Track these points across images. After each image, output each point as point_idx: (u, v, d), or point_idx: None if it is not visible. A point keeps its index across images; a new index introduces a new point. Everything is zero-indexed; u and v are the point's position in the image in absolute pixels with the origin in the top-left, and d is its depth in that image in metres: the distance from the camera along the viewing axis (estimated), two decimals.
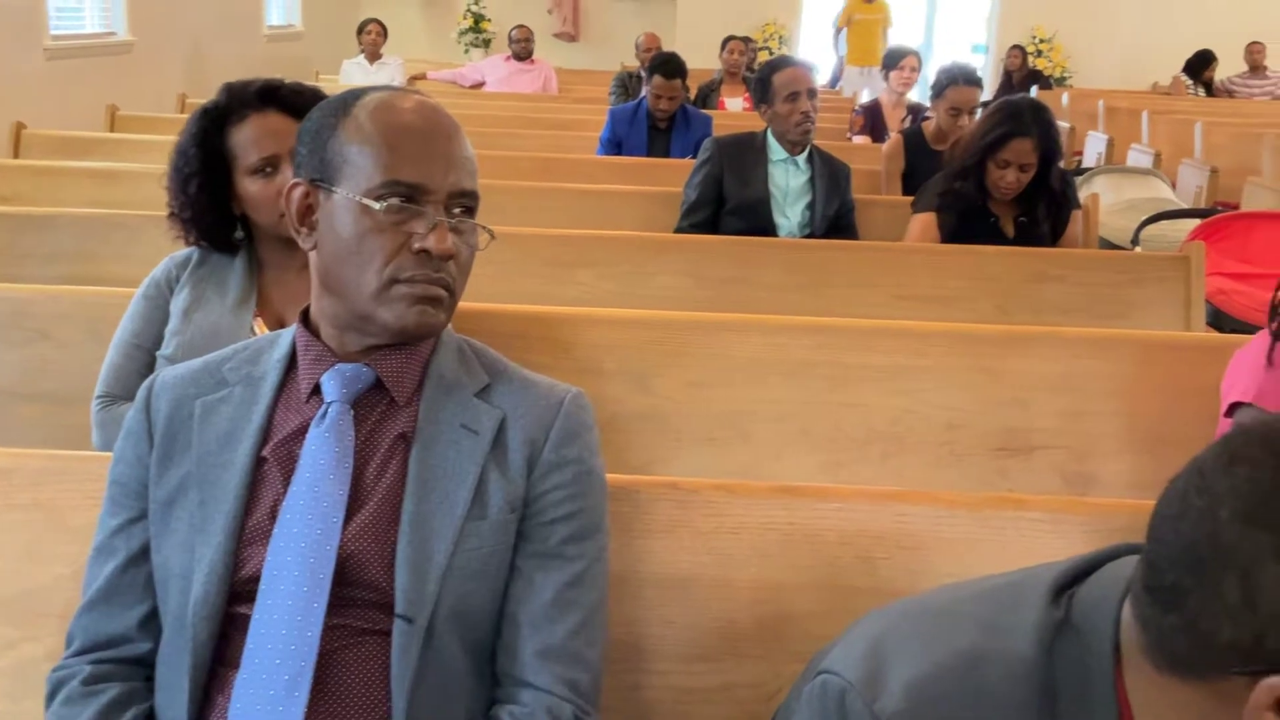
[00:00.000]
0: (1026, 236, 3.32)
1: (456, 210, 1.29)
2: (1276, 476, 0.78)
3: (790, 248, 3.36)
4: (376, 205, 1.25)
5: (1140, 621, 0.86)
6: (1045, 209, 3.34)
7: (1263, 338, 2.07)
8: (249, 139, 1.94)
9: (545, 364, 2.36)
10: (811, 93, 3.73)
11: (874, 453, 2.33)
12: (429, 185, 1.26)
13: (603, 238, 3.26)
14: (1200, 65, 10.19)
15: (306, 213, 1.31)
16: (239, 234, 2.02)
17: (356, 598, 1.23)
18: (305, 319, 1.36)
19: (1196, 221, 3.80)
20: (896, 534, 1.49)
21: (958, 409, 2.32)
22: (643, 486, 1.53)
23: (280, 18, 10.69)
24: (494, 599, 1.28)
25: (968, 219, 3.34)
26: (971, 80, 4.22)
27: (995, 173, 3.27)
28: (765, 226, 3.73)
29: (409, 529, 1.24)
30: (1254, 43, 10.27)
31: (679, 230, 3.74)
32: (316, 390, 1.30)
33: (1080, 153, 7.54)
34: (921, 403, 2.32)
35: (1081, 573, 0.94)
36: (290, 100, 1.95)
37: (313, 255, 1.33)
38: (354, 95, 1.33)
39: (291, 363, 1.34)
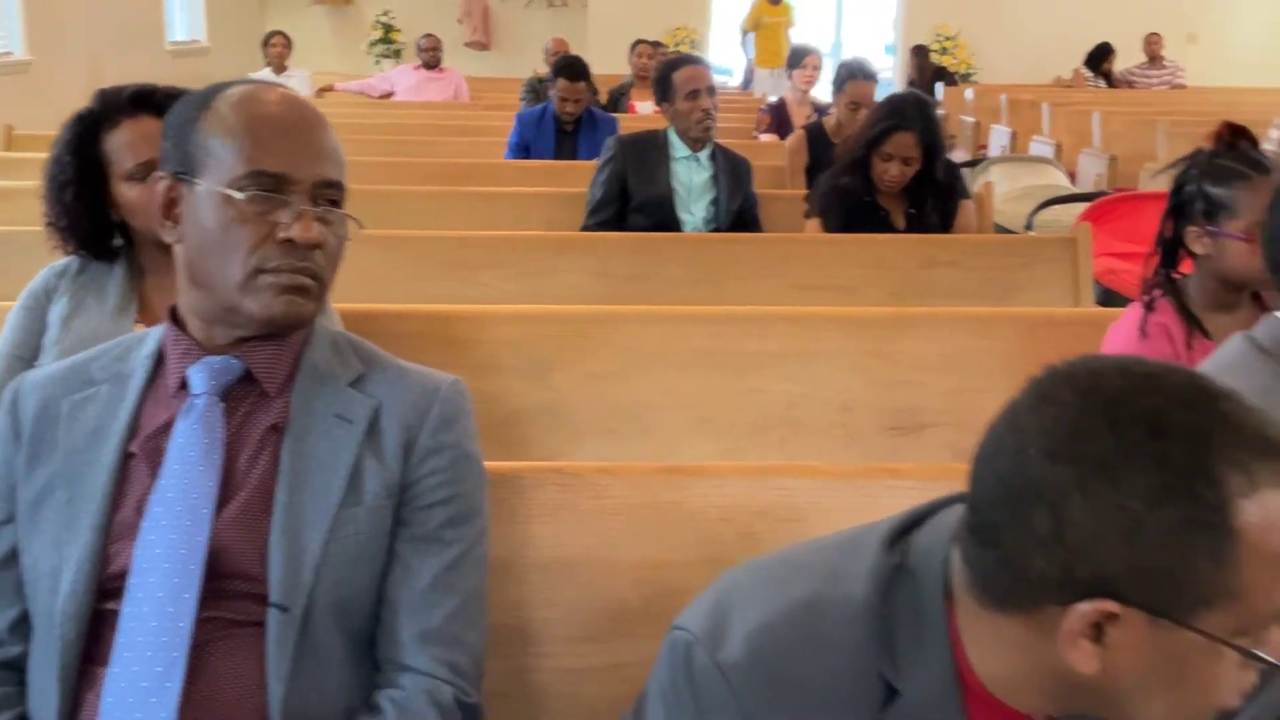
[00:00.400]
0: (917, 228, 3.39)
1: (322, 200, 1.29)
2: (1080, 414, 0.82)
3: (692, 242, 3.39)
4: (239, 195, 1.24)
5: (965, 561, 0.89)
6: (933, 201, 3.41)
7: (1135, 309, 2.14)
8: (124, 144, 1.92)
9: (442, 363, 2.32)
10: (711, 90, 3.77)
11: (772, 438, 2.37)
12: (293, 175, 1.26)
13: (505, 238, 3.26)
14: (1100, 57, 10.45)
15: (170, 206, 1.30)
16: (117, 240, 1.99)
17: (230, 589, 1.23)
18: (174, 315, 1.35)
19: (1087, 205, 3.91)
20: (777, 508, 1.52)
21: (851, 391, 2.36)
22: (525, 472, 1.54)
23: (184, 33, 10.54)
24: (372, 586, 1.28)
25: (857, 216, 3.40)
26: (869, 75, 4.30)
27: (880, 166, 3.34)
28: (670, 223, 3.76)
29: (282, 518, 1.24)
30: (1151, 34, 10.58)
31: (585, 229, 3.76)
32: (185, 385, 1.30)
33: (985, 146, 7.71)
34: (816, 386, 2.36)
35: (916, 521, 0.97)
36: (165, 104, 1.92)
37: (178, 249, 1.32)
38: (216, 89, 1.33)
39: (160, 358, 1.33)
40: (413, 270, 3.16)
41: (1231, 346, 1.38)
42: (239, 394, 1.30)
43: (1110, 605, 0.80)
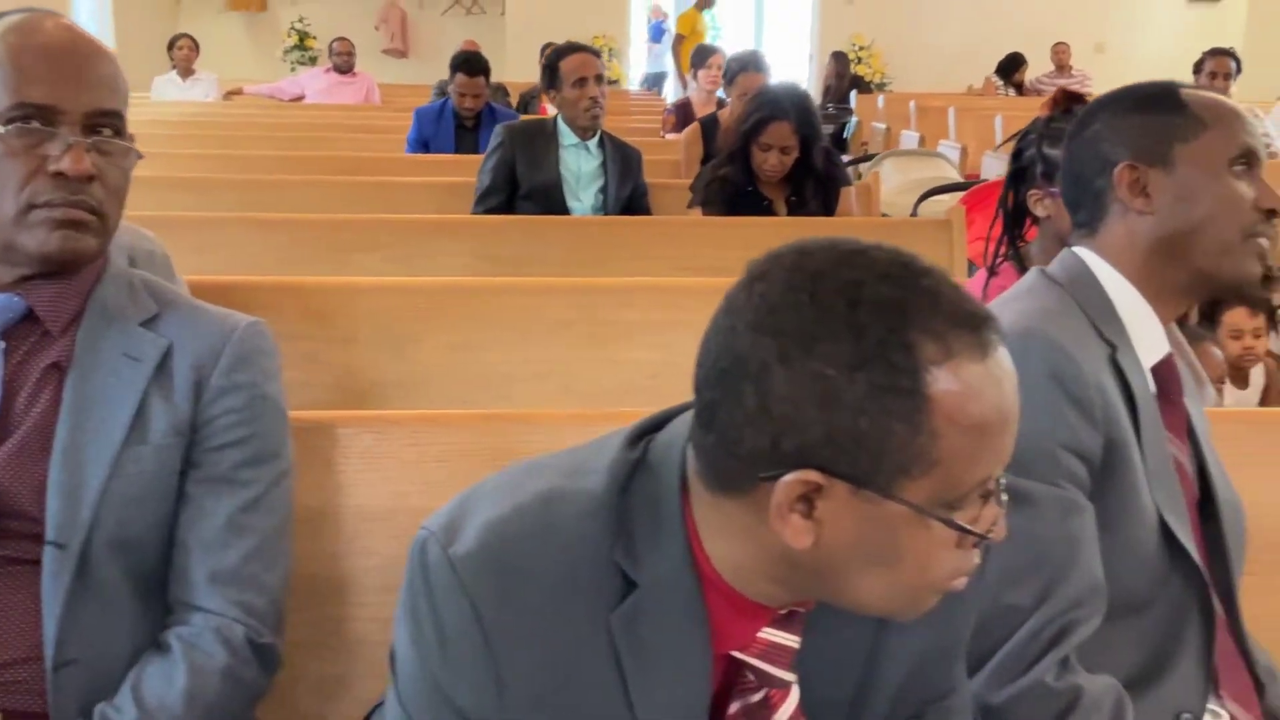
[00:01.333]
0: (798, 210, 3.44)
1: (100, 131, 1.24)
2: (784, 289, 0.82)
3: (574, 225, 3.38)
4: (4, 129, 1.20)
5: (694, 448, 0.88)
6: (814, 187, 3.46)
7: (981, 274, 2.17)
8: None
9: (299, 334, 2.33)
10: (599, 78, 3.77)
11: (636, 405, 2.35)
12: (60, 105, 1.21)
13: (385, 221, 3.23)
14: (1011, 67, 10.66)
15: None
16: None
17: (7, 528, 1.19)
18: None
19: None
20: None
21: None
22: (339, 421, 1.51)
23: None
24: (159, 525, 1.25)
25: (739, 205, 3.43)
26: (760, 67, 4.34)
27: (759, 156, 3.39)
28: (558, 210, 3.75)
29: (61, 456, 1.20)
30: (1059, 43, 10.82)
31: (473, 215, 3.74)
32: None
33: (867, 142, 7.85)
34: (678, 355, 2.33)
35: (662, 422, 0.97)
36: None
37: None
38: None
39: None
40: (291, 253, 3.12)
41: (1026, 277, 1.40)
42: (21, 333, 1.26)
43: (814, 475, 0.80)
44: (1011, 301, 1.35)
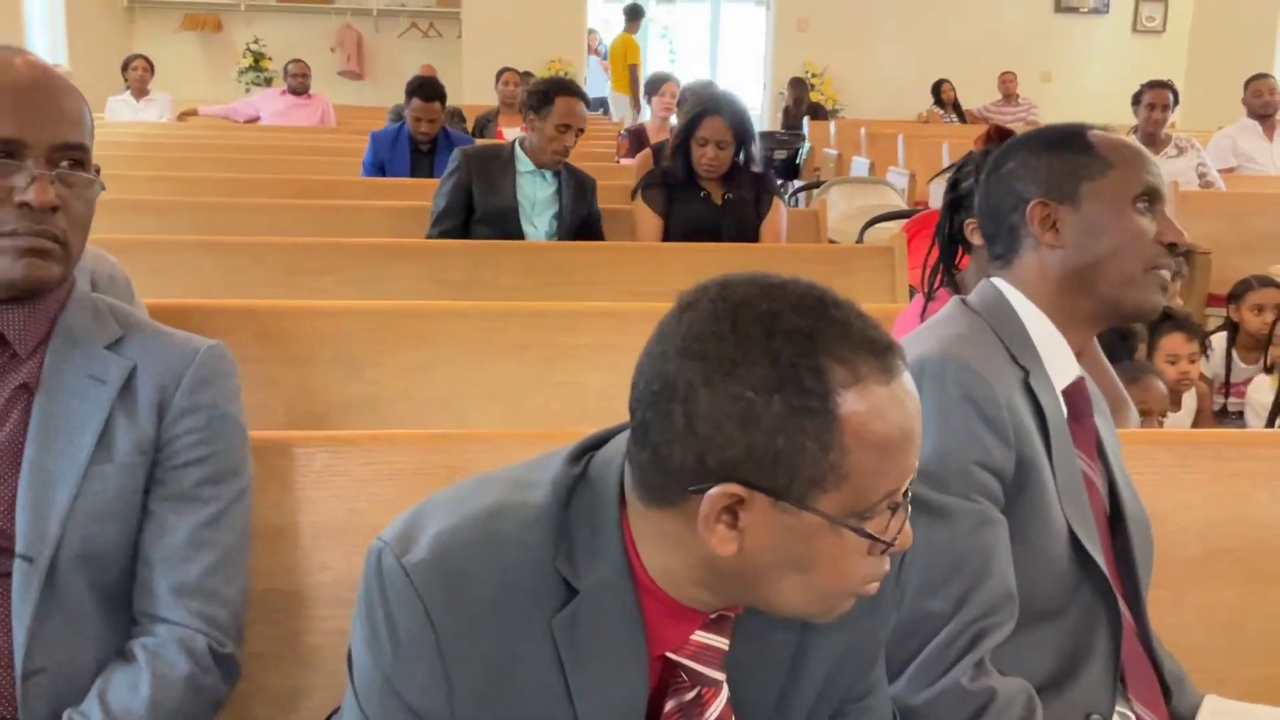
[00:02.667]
0: (733, 206, 3.70)
1: (64, 164, 1.30)
2: (709, 318, 0.90)
3: (527, 250, 3.45)
4: None
5: (630, 464, 0.96)
6: (749, 187, 3.73)
7: (919, 299, 2.27)
8: None
9: (256, 356, 2.37)
10: (579, 131, 3.86)
11: (587, 426, 2.42)
12: (26, 139, 1.27)
13: (341, 245, 3.28)
14: (936, 91, 10.98)
15: None
16: None
17: None
18: None
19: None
20: None
21: None
22: (296, 440, 1.56)
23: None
24: (124, 542, 1.30)
25: (680, 194, 3.71)
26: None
27: (697, 151, 3.64)
28: (514, 235, 3.81)
29: (29, 474, 1.25)
30: (1006, 73, 11.05)
31: (428, 238, 3.79)
32: None
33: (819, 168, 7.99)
34: (627, 377, 2.40)
35: (602, 440, 1.04)
36: None
37: None
38: None
39: None
40: (247, 276, 3.16)
41: (947, 306, 1.49)
42: None
43: (736, 489, 0.88)
44: (932, 328, 1.45)
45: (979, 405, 1.30)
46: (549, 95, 3.81)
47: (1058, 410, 1.40)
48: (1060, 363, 1.43)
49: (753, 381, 0.86)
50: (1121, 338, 3.32)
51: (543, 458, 1.04)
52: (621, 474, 0.98)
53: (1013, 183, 1.45)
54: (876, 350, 0.89)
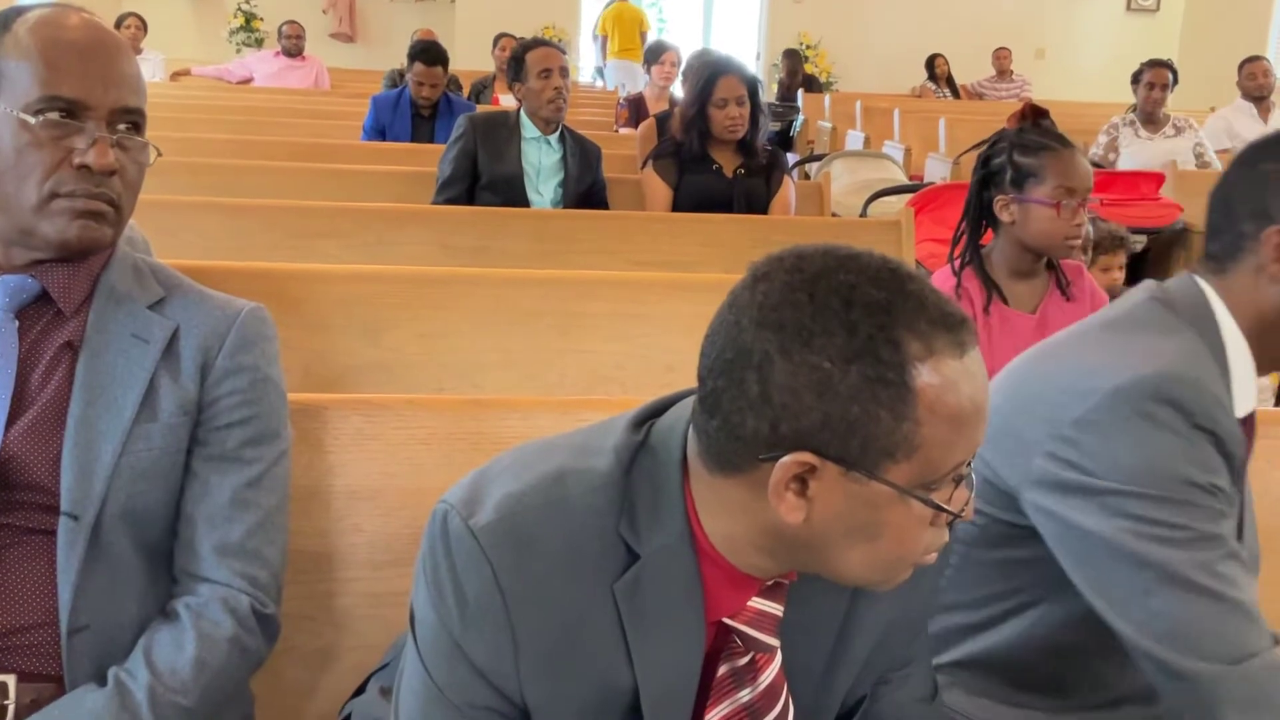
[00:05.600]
0: (745, 180, 3.68)
1: (121, 127, 1.30)
2: (785, 288, 0.91)
3: (534, 217, 3.45)
4: (33, 120, 1.25)
5: (696, 431, 0.97)
6: (760, 162, 3.69)
7: (943, 274, 2.29)
8: None
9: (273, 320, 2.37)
10: (564, 71, 3.85)
11: (599, 394, 2.44)
12: (89, 101, 1.27)
13: (348, 209, 3.27)
14: (930, 66, 10.95)
15: None
16: None
17: (22, 500, 1.24)
18: None
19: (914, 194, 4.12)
20: None
21: (677, 352, 2.45)
22: (329, 404, 1.57)
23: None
24: (167, 500, 1.31)
25: (692, 165, 3.67)
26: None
27: (717, 115, 3.60)
28: (519, 202, 3.82)
29: (75, 431, 1.26)
30: (1000, 49, 11.04)
31: (433, 204, 3.78)
32: None
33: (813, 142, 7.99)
34: (642, 347, 2.44)
35: (663, 407, 1.05)
36: None
37: None
38: (16, 11, 1.33)
39: None
40: (255, 238, 3.15)
41: (1139, 299, 1.37)
42: (35, 313, 1.31)
43: (808, 457, 0.89)
44: (1136, 334, 1.32)
45: (1220, 440, 1.24)
46: (518, 58, 3.90)
47: (1242, 440, 1.30)
48: (1247, 388, 1.32)
49: (830, 352, 0.87)
50: None
51: (603, 424, 1.05)
52: (684, 441, 0.99)
53: (1264, 189, 1.30)
54: (950, 325, 0.90)
